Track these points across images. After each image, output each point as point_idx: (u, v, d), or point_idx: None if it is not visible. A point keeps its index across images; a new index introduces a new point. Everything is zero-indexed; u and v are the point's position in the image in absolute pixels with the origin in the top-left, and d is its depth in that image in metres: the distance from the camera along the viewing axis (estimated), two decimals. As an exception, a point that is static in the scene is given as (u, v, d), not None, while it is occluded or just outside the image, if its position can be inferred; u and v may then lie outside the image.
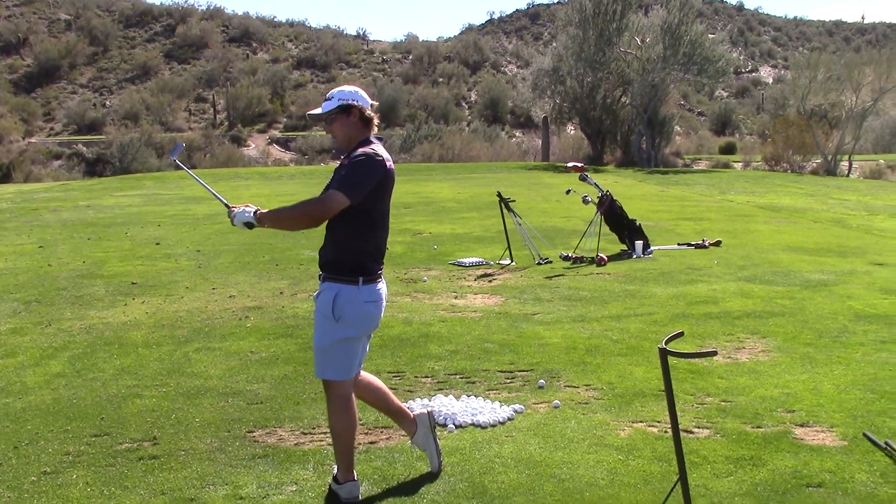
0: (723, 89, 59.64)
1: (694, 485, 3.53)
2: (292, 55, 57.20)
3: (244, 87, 45.97)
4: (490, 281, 8.39)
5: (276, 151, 40.60)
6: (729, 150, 39.29)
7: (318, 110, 3.50)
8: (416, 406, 4.55)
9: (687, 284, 8.02)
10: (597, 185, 10.08)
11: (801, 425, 4.30)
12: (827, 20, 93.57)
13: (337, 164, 3.61)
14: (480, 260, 9.48)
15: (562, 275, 8.69)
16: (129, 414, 4.62)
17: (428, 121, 41.86)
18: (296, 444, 4.15)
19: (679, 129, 42.20)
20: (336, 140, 3.54)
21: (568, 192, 10.52)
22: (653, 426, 4.33)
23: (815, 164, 28.90)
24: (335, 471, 3.61)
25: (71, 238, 11.92)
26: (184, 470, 3.86)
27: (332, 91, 3.55)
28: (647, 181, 22.52)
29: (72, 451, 4.09)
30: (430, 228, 12.33)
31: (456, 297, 7.58)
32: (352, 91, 3.49)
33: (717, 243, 10.52)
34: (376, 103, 3.63)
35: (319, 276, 3.49)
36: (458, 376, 5.23)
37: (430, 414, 3.80)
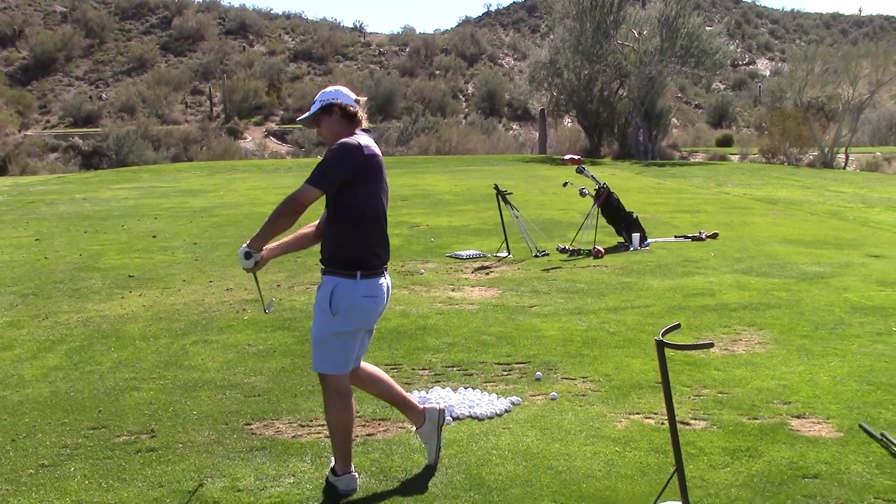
0: (720, 82, 59.60)
1: (690, 476, 3.54)
2: (289, 48, 57.06)
3: (241, 80, 45.87)
4: (487, 273, 8.40)
5: (273, 144, 40.55)
6: (726, 142, 39.28)
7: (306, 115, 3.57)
8: (416, 396, 4.55)
9: (684, 277, 8.03)
10: (594, 178, 10.08)
11: (798, 417, 4.32)
12: (824, 12, 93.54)
13: None
14: (477, 252, 9.49)
15: (559, 267, 8.70)
16: (126, 407, 4.62)
17: (425, 113, 41.80)
18: (293, 437, 4.16)
19: (676, 121, 42.18)
20: (325, 140, 3.57)
21: (565, 184, 10.52)
22: (649, 418, 4.35)
23: (811, 157, 28.90)
24: (333, 463, 3.61)
25: (67, 231, 11.91)
26: (182, 462, 3.86)
27: (318, 94, 3.60)
28: (643, 174, 22.52)
29: (69, 444, 4.10)
30: (427, 221, 12.33)
31: (453, 290, 7.59)
32: (333, 90, 3.54)
33: (714, 236, 10.53)
34: (363, 98, 3.65)
35: (321, 269, 3.50)
36: (455, 368, 5.24)
37: (441, 411, 3.77)
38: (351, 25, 67.06)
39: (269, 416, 4.44)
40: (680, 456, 3.12)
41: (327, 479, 3.59)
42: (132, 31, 55.16)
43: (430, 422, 3.75)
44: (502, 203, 9.65)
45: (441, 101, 47.80)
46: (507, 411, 4.46)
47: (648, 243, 9.94)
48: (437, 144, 33.41)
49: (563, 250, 9.55)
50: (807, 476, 3.62)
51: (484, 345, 5.74)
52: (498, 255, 9.35)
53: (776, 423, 4.23)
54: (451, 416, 4.36)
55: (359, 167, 3.36)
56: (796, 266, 8.49)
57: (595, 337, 5.89)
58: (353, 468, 3.56)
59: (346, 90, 3.55)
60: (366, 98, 3.66)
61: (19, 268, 8.98)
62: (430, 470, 3.73)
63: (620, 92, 31.99)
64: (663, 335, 3.07)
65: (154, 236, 11.17)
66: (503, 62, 62.53)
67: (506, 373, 5.15)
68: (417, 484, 3.60)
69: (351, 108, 3.49)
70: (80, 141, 36.23)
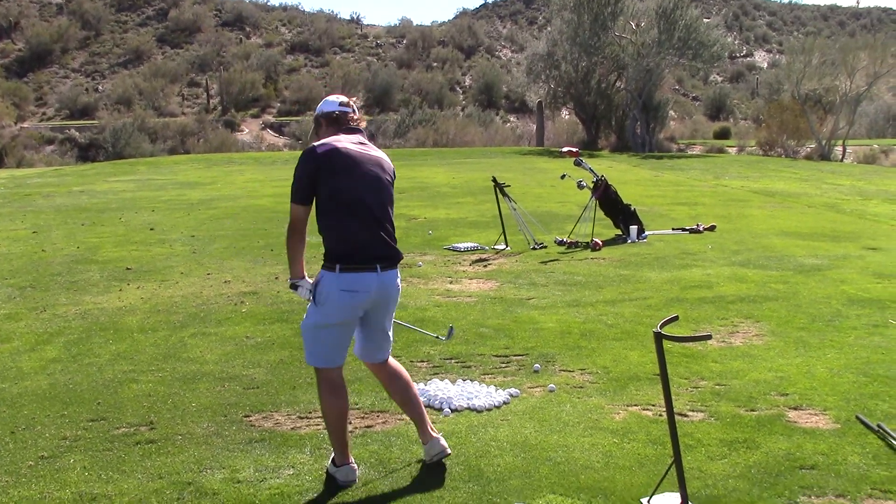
0: (717, 74, 59.50)
1: (688, 467, 3.56)
2: (286, 39, 56.81)
3: (237, 72, 45.65)
4: (485, 266, 8.41)
5: (270, 136, 40.42)
6: (723, 134, 39.22)
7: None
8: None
9: (681, 269, 8.05)
10: (591, 170, 10.08)
11: (795, 408, 4.34)
12: (822, 4, 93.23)
13: None
14: (475, 245, 9.49)
15: (557, 260, 8.71)
16: (125, 399, 4.63)
17: (422, 105, 41.66)
18: (292, 429, 4.17)
19: (673, 113, 42.10)
20: None
21: (563, 176, 10.53)
22: (647, 410, 4.36)
23: (809, 149, 28.88)
24: (333, 454, 3.62)
25: (65, 223, 11.89)
26: (181, 454, 3.87)
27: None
28: (641, 166, 22.52)
29: (69, 436, 4.10)
30: (425, 213, 12.33)
31: (451, 282, 7.60)
32: (321, 104, 3.76)
33: (712, 228, 10.55)
34: (353, 98, 3.83)
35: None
36: (453, 361, 5.25)
37: (444, 451, 3.67)
38: (348, 17, 66.89)
39: (267, 408, 4.45)
40: (678, 447, 3.13)
41: (326, 471, 3.61)
42: (128, 23, 54.88)
43: (433, 448, 3.66)
44: (500, 195, 9.65)
45: (438, 94, 47.63)
46: (505, 403, 4.47)
47: (646, 236, 9.95)
48: (434, 137, 33.34)
49: (561, 243, 9.56)
50: (804, 467, 3.64)
51: (482, 337, 5.75)
52: (496, 247, 9.36)
53: (773, 414, 4.25)
54: (449, 408, 4.37)
55: (312, 169, 3.48)
56: (793, 258, 8.50)
57: (593, 329, 5.91)
58: (351, 459, 3.57)
59: (331, 98, 3.75)
60: (356, 98, 3.76)
61: (17, 260, 8.97)
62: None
63: (618, 84, 31.92)
64: (661, 327, 3.08)
65: (152, 229, 11.16)
66: (500, 54, 62.35)
67: (504, 365, 5.17)
68: (416, 475, 3.61)
69: (334, 114, 3.67)
70: (77, 133, 36.06)
